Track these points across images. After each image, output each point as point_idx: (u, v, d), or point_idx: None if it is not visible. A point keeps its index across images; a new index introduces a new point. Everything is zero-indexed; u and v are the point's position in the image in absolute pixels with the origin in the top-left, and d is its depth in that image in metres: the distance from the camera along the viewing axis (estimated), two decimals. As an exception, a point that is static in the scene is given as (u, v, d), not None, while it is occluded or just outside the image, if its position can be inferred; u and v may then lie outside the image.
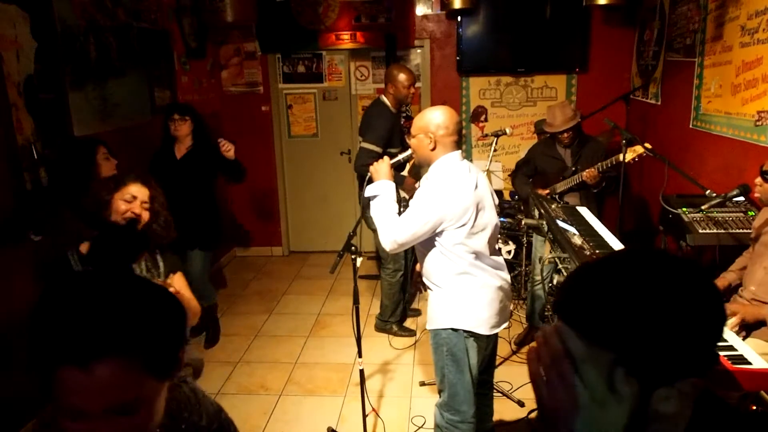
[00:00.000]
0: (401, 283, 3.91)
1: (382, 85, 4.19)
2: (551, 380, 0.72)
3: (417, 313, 4.23)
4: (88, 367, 0.78)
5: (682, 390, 0.71)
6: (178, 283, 2.13)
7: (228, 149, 3.53)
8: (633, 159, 3.24)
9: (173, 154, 3.61)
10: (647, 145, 3.19)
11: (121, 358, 0.80)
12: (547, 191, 3.64)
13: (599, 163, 3.37)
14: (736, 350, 1.81)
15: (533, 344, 0.76)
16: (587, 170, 3.40)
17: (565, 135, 3.59)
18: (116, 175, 2.20)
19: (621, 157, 3.23)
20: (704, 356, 0.73)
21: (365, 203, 3.89)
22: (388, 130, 3.70)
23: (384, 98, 3.80)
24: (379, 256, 4.09)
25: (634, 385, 0.70)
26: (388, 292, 3.92)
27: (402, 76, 3.69)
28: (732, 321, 2.13)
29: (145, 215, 2.10)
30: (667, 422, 0.73)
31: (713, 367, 0.74)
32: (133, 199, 2.07)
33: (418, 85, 5.27)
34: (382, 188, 2.26)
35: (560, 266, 2.26)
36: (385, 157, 2.38)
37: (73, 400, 0.80)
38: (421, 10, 5.10)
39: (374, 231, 3.34)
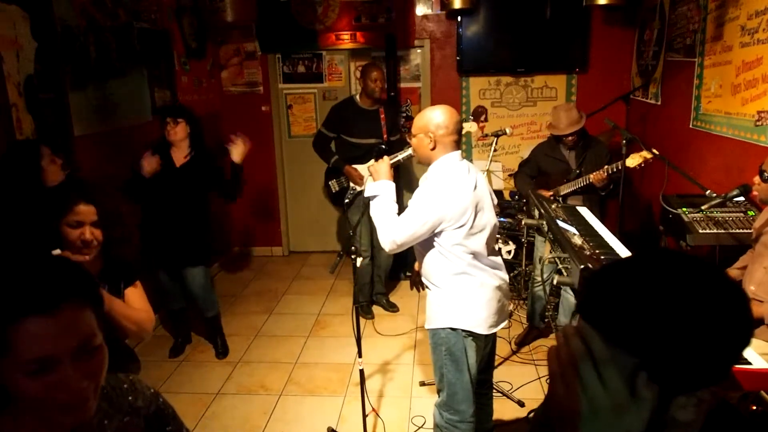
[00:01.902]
0: (370, 268, 4.32)
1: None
2: (568, 380, 0.71)
3: (395, 308, 4.41)
4: (54, 311, 0.83)
5: (702, 398, 0.70)
6: (133, 295, 2.00)
7: (238, 150, 3.53)
8: (639, 165, 3.24)
9: (171, 161, 3.42)
10: (654, 151, 3.18)
11: (78, 301, 0.87)
12: (551, 193, 3.63)
13: (607, 167, 3.36)
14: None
15: (554, 343, 0.75)
16: (595, 173, 3.39)
17: (570, 138, 3.59)
18: (55, 195, 1.88)
19: (626, 162, 3.22)
20: (727, 365, 0.72)
21: (332, 196, 4.27)
22: (339, 117, 4.14)
23: (356, 95, 4.20)
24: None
25: (655, 390, 0.68)
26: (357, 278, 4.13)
27: (369, 72, 4.06)
28: None
29: (98, 235, 1.83)
30: (683, 429, 0.73)
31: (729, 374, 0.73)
32: (79, 225, 1.80)
33: (418, 85, 5.29)
34: (381, 188, 2.26)
35: (560, 266, 2.26)
36: (385, 157, 2.38)
37: (42, 349, 0.83)
38: (421, 10, 5.10)
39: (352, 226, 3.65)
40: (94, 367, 0.89)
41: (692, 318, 0.67)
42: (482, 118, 5.27)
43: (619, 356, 0.68)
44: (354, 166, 4.10)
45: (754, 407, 1.89)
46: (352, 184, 4.15)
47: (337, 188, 4.21)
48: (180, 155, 3.45)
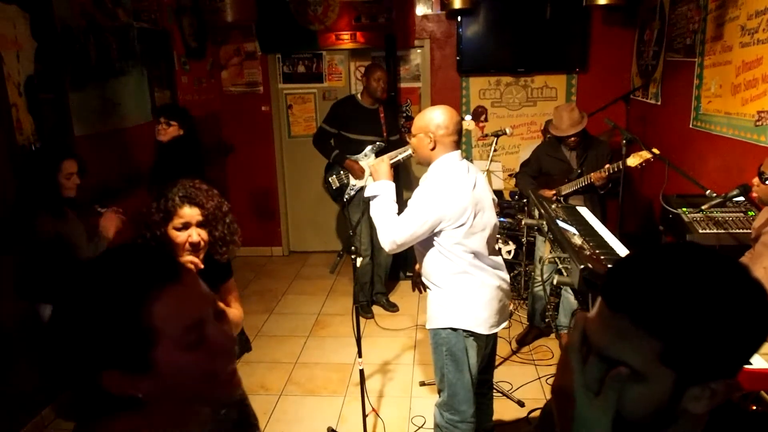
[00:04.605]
0: (370, 267, 4.33)
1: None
2: (565, 365, 0.74)
3: (395, 308, 4.41)
4: (180, 277, 0.80)
5: (716, 390, 0.71)
6: (228, 293, 1.97)
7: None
8: (640, 164, 3.24)
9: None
10: (655, 150, 3.18)
11: (189, 269, 0.85)
12: (553, 193, 3.63)
13: (608, 166, 3.37)
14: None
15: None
16: (596, 173, 3.40)
17: (572, 139, 3.59)
18: (160, 200, 1.82)
19: (627, 162, 3.23)
20: (744, 359, 0.73)
21: (333, 192, 4.29)
22: (340, 113, 4.20)
23: (357, 93, 4.28)
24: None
25: (671, 376, 0.70)
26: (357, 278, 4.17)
27: (373, 71, 4.13)
28: None
29: (205, 236, 1.81)
30: (691, 422, 0.74)
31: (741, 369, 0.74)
32: (186, 227, 1.79)
33: (418, 85, 5.30)
34: (381, 188, 2.26)
35: (560, 266, 2.26)
36: (385, 157, 2.38)
37: (190, 315, 0.79)
38: (421, 10, 5.10)
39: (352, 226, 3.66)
40: (230, 329, 0.86)
41: (717, 304, 0.69)
42: (482, 118, 5.27)
43: (642, 338, 0.70)
44: (355, 158, 4.14)
45: (754, 407, 1.89)
46: (352, 181, 4.16)
47: (337, 184, 4.23)
48: None
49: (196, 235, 1.79)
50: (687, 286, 0.70)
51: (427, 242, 2.19)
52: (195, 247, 1.79)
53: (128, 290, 0.75)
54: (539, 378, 3.37)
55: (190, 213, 1.79)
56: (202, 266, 1.79)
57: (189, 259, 1.77)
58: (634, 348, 0.70)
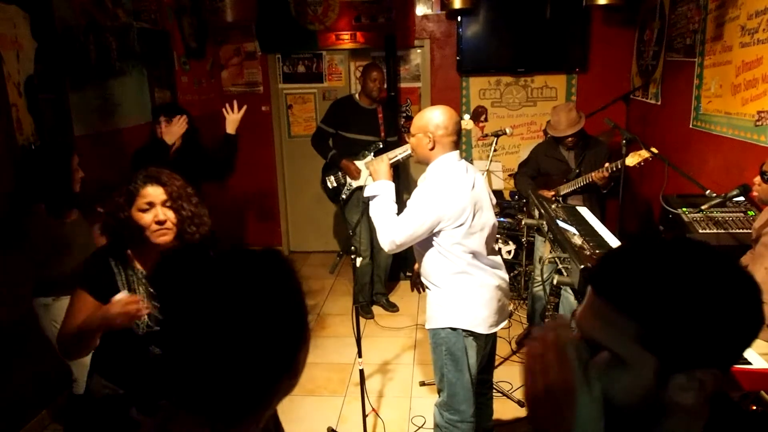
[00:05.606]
0: (370, 268, 4.35)
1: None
2: (561, 360, 0.75)
3: (395, 308, 4.42)
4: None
5: (702, 379, 0.71)
6: None
7: (231, 120, 3.35)
8: (639, 163, 3.24)
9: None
10: (653, 149, 3.18)
11: None
12: (552, 193, 3.63)
13: (607, 165, 3.37)
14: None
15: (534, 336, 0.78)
16: (597, 172, 3.40)
17: (570, 139, 3.59)
18: (121, 185, 1.80)
19: (625, 161, 3.23)
20: (730, 351, 0.73)
21: (330, 192, 4.29)
22: (338, 113, 4.20)
23: (356, 93, 4.30)
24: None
25: (653, 361, 0.71)
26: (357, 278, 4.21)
27: (369, 72, 4.14)
28: None
29: (171, 216, 1.78)
30: (684, 416, 0.74)
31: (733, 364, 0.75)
32: (150, 206, 1.76)
33: (418, 85, 5.30)
34: (381, 188, 2.26)
35: (560, 266, 2.26)
36: (385, 157, 2.38)
37: None
38: (421, 10, 5.10)
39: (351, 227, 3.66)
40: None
41: (694, 289, 0.70)
42: (482, 118, 5.27)
43: (624, 323, 0.71)
44: (351, 160, 4.14)
45: (754, 407, 1.89)
46: (349, 181, 4.17)
47: (334, 184, 4.23)
48: (172, 150, 3.30)
49: (162, 214, 1.76)
50: (665, 271, 0.71)
51: (426, 242, 2.19)
52: (161, 225, 1.76)
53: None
54: (539, 378, 3.37)
55: (153, 192, 1.77)
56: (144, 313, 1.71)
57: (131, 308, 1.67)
58: (615, 332, 0.72)
